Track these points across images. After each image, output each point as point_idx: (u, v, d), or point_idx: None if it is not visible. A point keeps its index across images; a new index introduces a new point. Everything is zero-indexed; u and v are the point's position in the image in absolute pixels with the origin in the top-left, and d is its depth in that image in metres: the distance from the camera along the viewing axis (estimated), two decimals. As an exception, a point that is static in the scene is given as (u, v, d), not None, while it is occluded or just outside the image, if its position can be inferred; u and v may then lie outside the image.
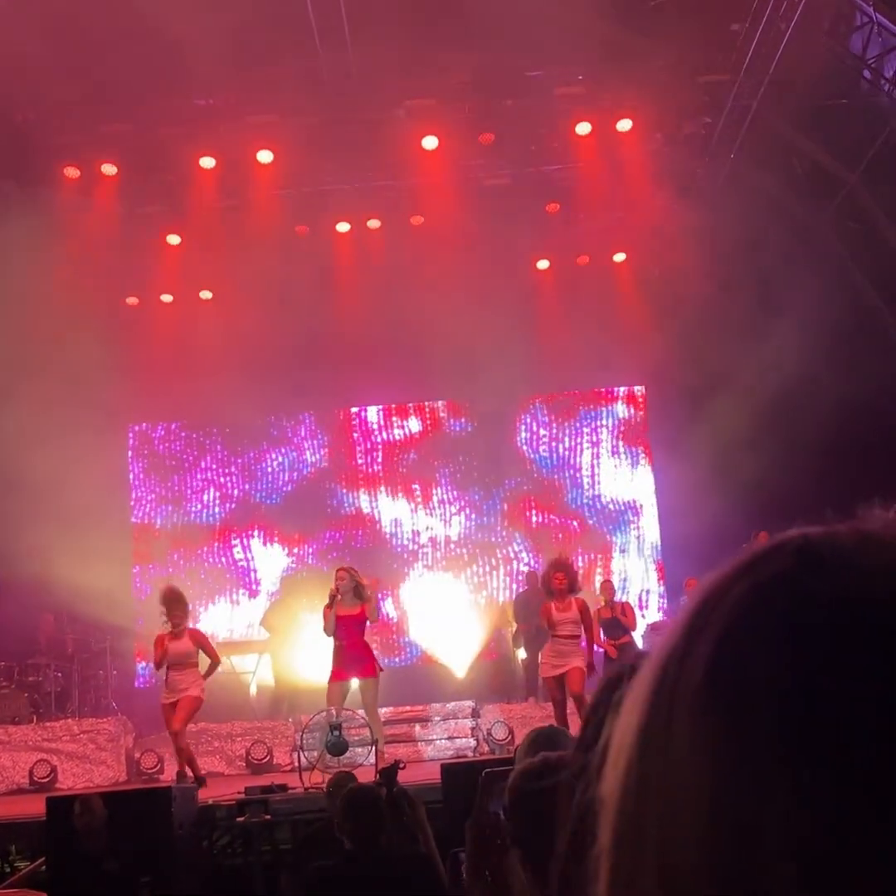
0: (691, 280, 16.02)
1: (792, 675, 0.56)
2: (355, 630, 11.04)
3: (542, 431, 18.24)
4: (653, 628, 15.18)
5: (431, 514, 17.91)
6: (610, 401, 18.42)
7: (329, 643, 11.23)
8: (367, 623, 11.28)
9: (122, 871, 6.70)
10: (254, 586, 17.47)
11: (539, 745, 3.31)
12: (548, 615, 11.18)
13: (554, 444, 18.21)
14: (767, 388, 14.82)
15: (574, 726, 10.41)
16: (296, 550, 17.72)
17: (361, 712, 10.88)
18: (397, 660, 16.80)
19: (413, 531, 17.88)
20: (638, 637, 14.06)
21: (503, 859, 3.12)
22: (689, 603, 0.63)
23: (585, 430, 18.28)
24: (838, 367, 14.12)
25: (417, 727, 13.36)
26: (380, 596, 14.37)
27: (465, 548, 17.78)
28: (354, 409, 18.26)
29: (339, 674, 10.98)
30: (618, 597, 14.76)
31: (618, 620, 13.41)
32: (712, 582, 0.63)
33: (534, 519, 17.98)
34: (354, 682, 11.03)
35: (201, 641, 11.38)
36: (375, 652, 11.61)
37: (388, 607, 17.19)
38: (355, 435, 18.23)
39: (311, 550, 17.63)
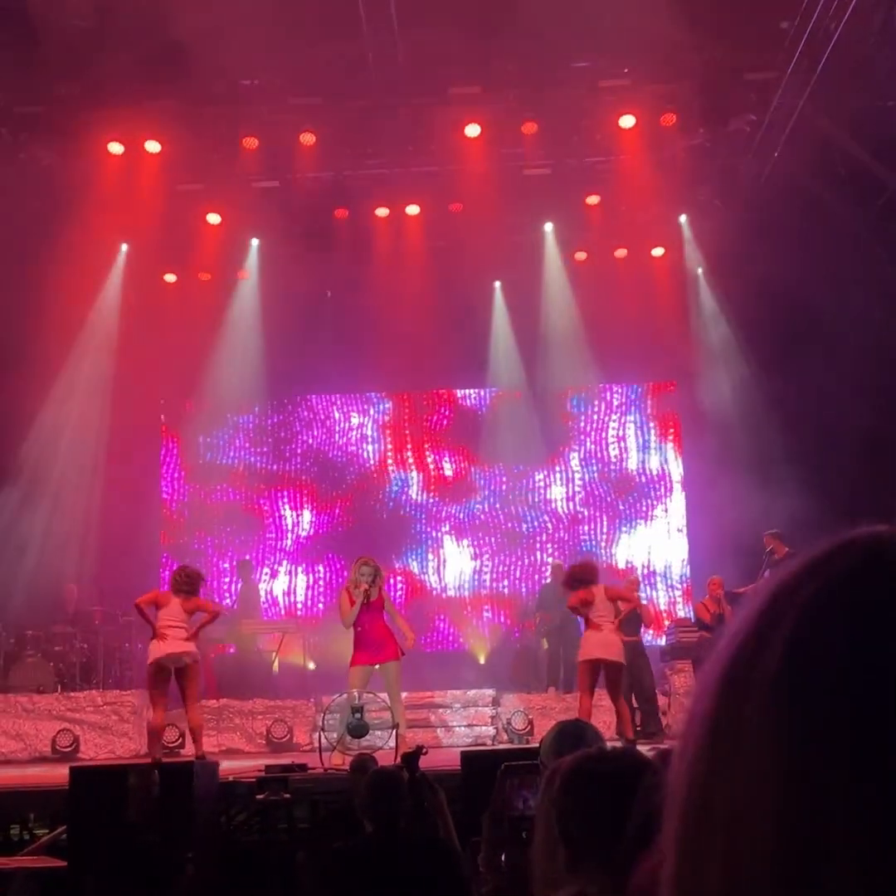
0: (729, 277, 15.97)
1: (867, 672, 0.57)
2: (376, 616, 11.00)
3: (569, 424, 18.24)
4: (677, 624, 15.15)
5: (458, 501, 17.94)
6: (641, 395, 18.38)
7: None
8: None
9: (165, 845, 6.73)
10: (275, 567, 17.57)
11: (566, 736, 3.34)
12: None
13: (583, 437, 18.21)
14: (801, 389, 14.77)
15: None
16: (322, 532, 17.80)
17: (384, 695, 10.91)
18: (419, 646, 16.84)
19: (439, 518, 17.92)
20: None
21: (524, 851, 3.14)
22: (759, 598, 0.65)
23: (612, 424, 18.26)
24: (876, 371, 14.06)
25: (437, 713, 13.41)
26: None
27: (493, 536, 17.81)
28: (373, 397, 18.30)
29: (360, 658, 10.95)
30: (644, 591, 14.81)
31: (638, 616, 13.43)
32: (782, 578, 0.64)
33: (561, 508, 17.99)
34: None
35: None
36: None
37: (413, 590, 17.28)
38: (386, 418, 18.28)
39: (337, 533, 17.70)
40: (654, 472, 18.12)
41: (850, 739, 0.57)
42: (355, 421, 18.28)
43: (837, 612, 0.60)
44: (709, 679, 0.64)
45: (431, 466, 18.08)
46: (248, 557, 17.20)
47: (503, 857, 3.38)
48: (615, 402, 18.33)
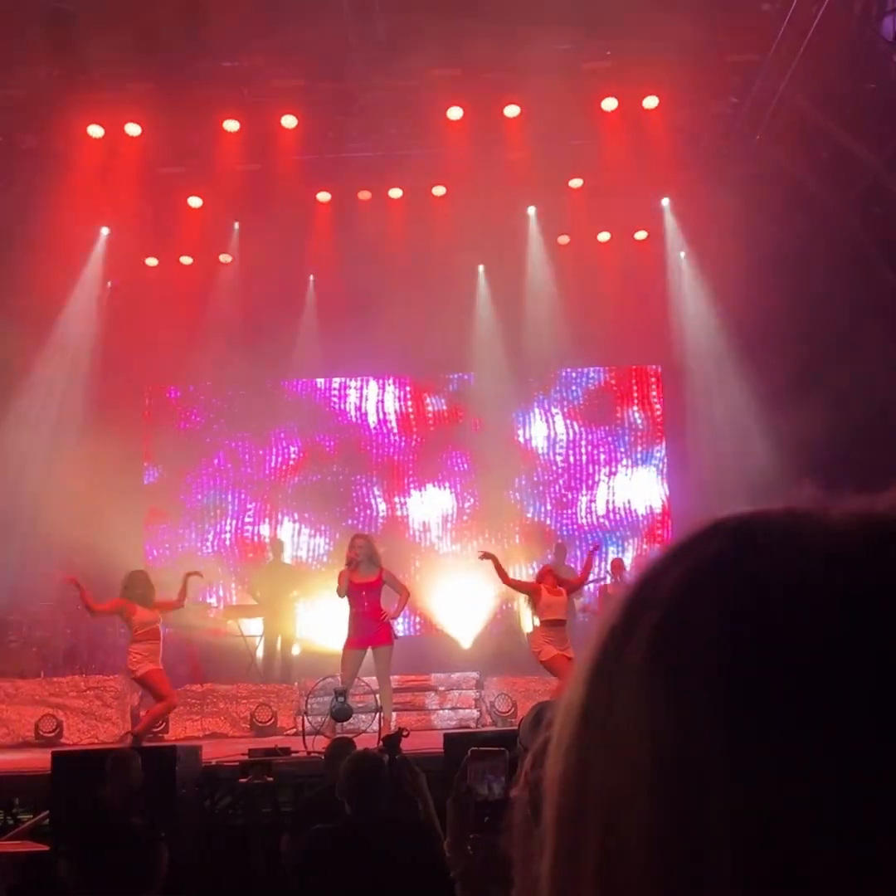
0: (712, 260, 15.97)
1: (732, 657, 0.57)
2: (372, 598, 11.00)
3: (554, 409, 18.24)
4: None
5: (442, 484, 17.93)
6: (625, 378, 18.39)
7: (343, 608, 11.23)
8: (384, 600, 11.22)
9: (148, 827, 6.72)
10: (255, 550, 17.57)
11: (544, 718, 3.34)
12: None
13: (568, 420, 18.21)
14: (784, 370, 14.80)
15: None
16: (306, 516, 17.77)
17: (367, 679, 10.93)
18: (403, 629, 16.86)
19: (424, 501, 17.91)
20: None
21: (490, 835, 3.13)
22: (629, 584, 0.64)
23: (595, 407, 18.26)
24: (854, 352, 14.08)
25: (421, 696, 13.42)
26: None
27: (478, 519, 17.80)
28: (356, 382, 18.23)
29: (354, 642, 10.96)
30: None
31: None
32: (652, 563, 0.63)
33: (544, 491, 18.01)
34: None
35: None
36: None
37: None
38: (369, 403, 18.24)
39: (320, 519, 17.69)
40: (638, 457, 18.14)
41: (717, 725, 0.56)
42: (337, 405, 18.24)
43: (703, 598, 0.59)
44: (581, 667, 0.64)
45: (414, 449, 18.07)
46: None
47: (470, 842, 3.38)
48: (598, 386, 18.32)
